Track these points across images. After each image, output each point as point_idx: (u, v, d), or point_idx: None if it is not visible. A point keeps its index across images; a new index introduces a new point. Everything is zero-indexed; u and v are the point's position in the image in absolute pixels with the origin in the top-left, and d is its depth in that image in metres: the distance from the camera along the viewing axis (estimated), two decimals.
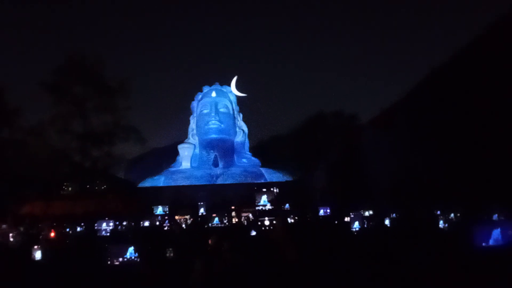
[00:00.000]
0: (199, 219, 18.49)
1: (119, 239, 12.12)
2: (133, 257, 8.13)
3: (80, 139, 29.34)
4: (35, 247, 9.62)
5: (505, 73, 15.86)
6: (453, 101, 19.00)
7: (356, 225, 12.97)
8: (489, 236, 8.35)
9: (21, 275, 8.11)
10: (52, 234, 14.04)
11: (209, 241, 9.78)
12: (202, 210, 21.35)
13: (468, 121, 17.94)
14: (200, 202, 21.94)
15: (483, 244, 8.32)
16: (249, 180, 32.24)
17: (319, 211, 17.36)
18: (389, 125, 24.14)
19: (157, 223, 18.25)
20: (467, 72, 18.47)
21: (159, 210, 21.01)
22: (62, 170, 29.16)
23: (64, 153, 29.39)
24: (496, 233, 8.35)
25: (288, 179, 32.46)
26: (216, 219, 17.82)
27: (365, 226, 13.28)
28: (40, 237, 13.81)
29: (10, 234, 14.16)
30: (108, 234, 14.70)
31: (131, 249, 8.13)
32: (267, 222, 16.64)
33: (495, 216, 11.16)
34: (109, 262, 8.09)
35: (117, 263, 8.05)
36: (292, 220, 17.11)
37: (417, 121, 21.71)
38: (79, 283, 7.18)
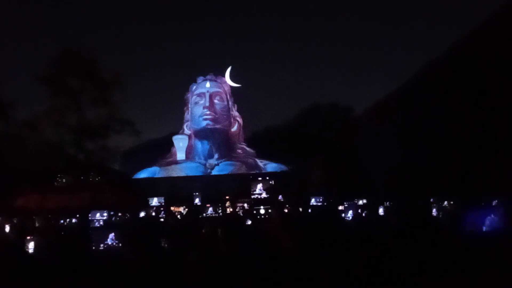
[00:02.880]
0: (193, 209, 18.54)
1: (103, 227, 12.28)
2: (114, 243, 8.36)
3: (75, 132, 29.17)
4: (28, 238, 9.65)
5: (502, 65, 15.93)
6: (449, 93, 19.06)
7: (350, 213, 13.03)
8: (482, 222, 8.38)
9: (14, 266, 8.15)
10: (49, 225, 14.05)
11: (203, 231, 9.78)
12: (197, 201, 21.40)
13: (463, 112, 18.03)
14: (195, 193, 21.98)
15: (477, 229, 8.36)
16: (244, 171, 32.30)
17: (310, 200, 17.41)
18: (383, 117, 24.21)
19: (153, 214, 18.28)
20: (463, 64, 18.52)
21: (155, 201, 21.02)
22: (57, 163, 29.04)
23: (58, 146, 29.25)
24: (489, 219, 8.39)
25: (283, 170, 32.53)
26: (210, 209, 17.87)
27: (359, 214, 13.34)
28: (34, 228, 13.79)
29: (7, 226, 14.15)
30: (101, 224, 14.73)
31: (111, 235, 8.35)
32: (262, 211, 16.71)
33: (494, 202, 11.20)
34: (93, 248, 8.32)
35: (101, 248, 8.30)
36: (286, 210, 17.19)
37: (412, 112, 21.77)
38: (67, 270, 7.26)
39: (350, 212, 13.10)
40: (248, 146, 37.42)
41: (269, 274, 6.78)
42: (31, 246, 9.38)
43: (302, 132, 35.41)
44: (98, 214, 15.71)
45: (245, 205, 19.67)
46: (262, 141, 38.49)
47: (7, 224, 14.60)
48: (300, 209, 17.00)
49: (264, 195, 20.37)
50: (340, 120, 35.65)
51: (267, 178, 23.36)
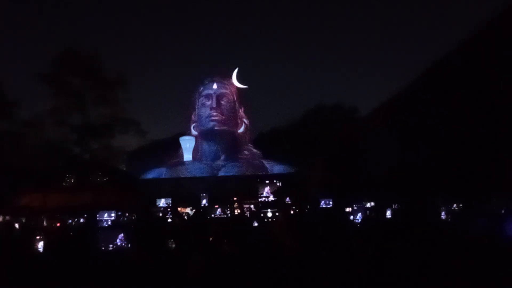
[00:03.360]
0: (201, 210, 18.62)
1: (111, 227, 12.36)
2: (123, 244, 8.43)
3: (79, 131, 29.40)
4: (37, 237, 9.75)
5: (504, 67, 15.84)
6: (454, 93, 18.95)
7: (359, 216, 13.03)
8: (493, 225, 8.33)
9: (24, 265, 8.23)
10: (57, 225, 14.21)
11: (210, 232, 9.80)
12: (204, 202, 21.47)
13: (469, 113, 17.90)
14: (202, 194, 22.06)
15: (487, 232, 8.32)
16: (250, 172, 32.33)
17: (320, 203, 17.49)
18: (389, 118, 24.08)
19: (160, 215, 18.39)
20: (467, 66, 18.41)
21: (162, 202, 21.13)
22: (61, 162, 29.26)
23: (62, 145, 29.46)
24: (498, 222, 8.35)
25: (290, 171, 32.50)
26: (219, 210, 17.93)
27: (367, 217, 13.34)
28: (42, 228, 13.92)
29: (16, 225, 14.33)
30: (109, 224, 14.84)
31: (121, 235, 8.41)
32: (269, 214, 16.78)
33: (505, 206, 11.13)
34: (103, 248, 8.39)
35: (110, 249, 8.36)
36: (292, 211, 17.22)
37: (418, 113, 21.65)
38: (76, 270, 7.32)
39: (359, 214, 13.10)
40: (254, 147, 37.42)
41: (272, 277, 6.78)
42: (40, 245, 9.48)
43: (309, 133, 35.38)
44: (106, 214, 15.82)
45: (252, 206, 19.71)
46: (268, 142, 38.48)
47: (15, 223, 14.76)
48: (306, 211, 17.01)
49: (271, 198, 20.41)
50: (346, 121, 35.60)
51: (274, 180, 23.38)
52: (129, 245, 8.50)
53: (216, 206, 18.36)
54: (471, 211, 12.46)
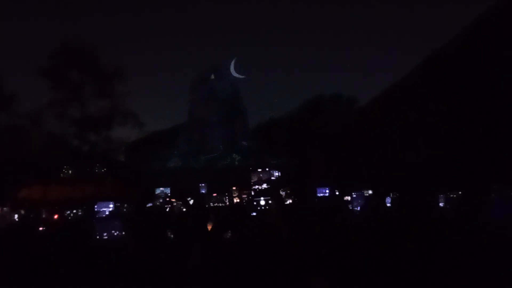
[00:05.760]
0: (200, 199, 18.71)
1: (106, 217, 12.44)
2: (117, 233, 8.55)
3: (78, 124, 29.26)
4: (40, 229, 9.84)
5: (501, 57, 15.76)
6: (451, 84, 18.88)
7: (358, 204, 13.11)
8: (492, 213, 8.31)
9: (25, 254, 8.24)
10: (55, 217, 14.27)
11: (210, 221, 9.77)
12: (203, 192, 21.60)
13: (466, 104, 17.87)
14: (201, 184, 22.21)
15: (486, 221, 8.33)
16: (248, 162, 32.36)
17: (317, 192, 17.68)
18: (387, 108, 24.03)
19: (158, 204, 18.42)
20: (464, 57, 18.35)
21: (161, 192, 21.18)
22: (60, 155, 29.15)
23: (62, 138, 29.33)
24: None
25: (287, 161, 32.51)
26: (216, 198, 18.04)
27: (366, 205, 13.39)
28: (42, 219, 13.95)
29: (16, 215, 14.41)
30: (107, 214, 14.88)
31: (116, 225, 8.53)
32: (262, 202, 16.98)
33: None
34: (98, 237, 8.54)
35: (105, 237, 8.50)
36: (290, 201, 17.38)
37: (416, 103, 21.60)
38: (75, 258, 7.35)
39: (359, 202, 13.17)
40: (252, 137, 37.49)
41: (271, 269, 6.74)
42: (39, 236, 9.51)
43: (308, 124, 35.29)
44: (104, 205, 15.85)
45: (249, 196, 19.84)
46: (267, 133, 38.43)
47: (13, 215, 14.78)
48: (305, 201, 17.05)
49: (265, 186, 20.67)
50: (344, 111, 35.50)
51: (267, 169, 23.58)
52: (123, 234, 8.55)
53: (214, 195, 18.49)
54: (474, 199, 12.44)
